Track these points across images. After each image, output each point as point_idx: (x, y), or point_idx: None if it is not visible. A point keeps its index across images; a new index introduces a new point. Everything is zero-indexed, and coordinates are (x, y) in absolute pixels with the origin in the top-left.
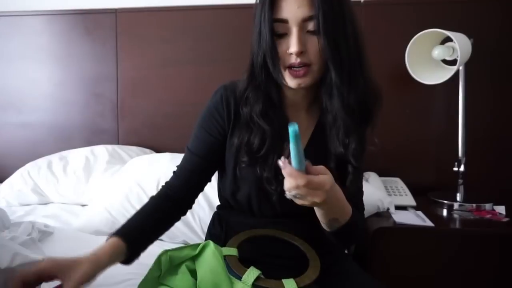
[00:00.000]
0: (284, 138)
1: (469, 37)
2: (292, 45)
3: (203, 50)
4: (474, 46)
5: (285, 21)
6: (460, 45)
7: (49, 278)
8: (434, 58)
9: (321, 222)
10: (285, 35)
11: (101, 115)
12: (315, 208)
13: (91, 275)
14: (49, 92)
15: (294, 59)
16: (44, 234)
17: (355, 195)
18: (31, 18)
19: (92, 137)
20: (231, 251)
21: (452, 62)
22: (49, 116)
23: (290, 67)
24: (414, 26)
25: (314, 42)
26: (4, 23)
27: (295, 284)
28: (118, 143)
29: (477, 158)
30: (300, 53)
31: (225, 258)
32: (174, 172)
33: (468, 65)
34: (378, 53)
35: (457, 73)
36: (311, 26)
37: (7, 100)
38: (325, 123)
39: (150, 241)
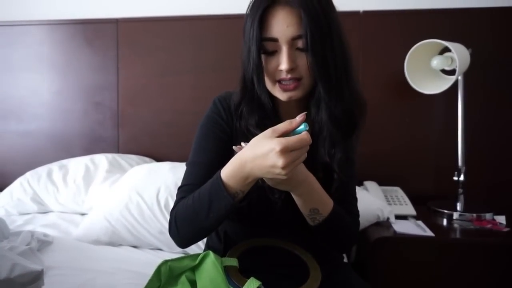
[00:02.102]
0: None
1: (467, 47)
2: (283, 63)
3: (203, 59)
4: (472, 56)
5: (275, 40)
6: (459, 55)
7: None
8: (433, 68)
9: (304, 216)
10: (275, 52)
11: (101, 124)
12: (296, 198)
13: None
14: (49, 101)
15: (284, 75)
16: (44, 243)
17: (345, 202)
18: (32, 28)
19: (92, 146)
20: (231, 261)
21: (451, 72)
22: (49, 124)
23: (280, 81)
24: (413, 36)
25: (304, 58)
26: (6, 33)
27: None
28: (118, 152)
29: (476, 167)
30: (290, 70)
31: (225, 268)
32: (183, 190)
33: (466, 74)
34: (377, 62)
35: (456, 83)
36: (300, 43)
37: (7, 109)
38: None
39: None
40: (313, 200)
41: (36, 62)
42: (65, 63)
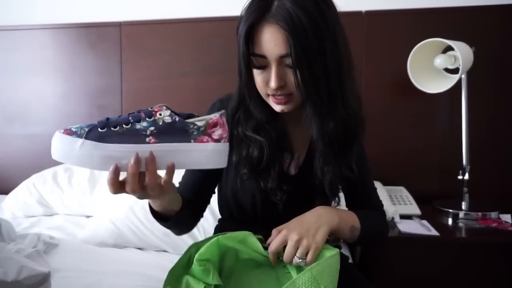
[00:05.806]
0: (283, 147)
1: (471, 45)
2: (271, 81)
3: (206, 61)
4: (475, 54)
5: (263, 57)
6: (462, 54)
7: None
8: (436, 67)
9: (346, 240)
10: (265, 66)
11: None
12: (337, 232)
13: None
14: (54, 104)
15: (274, 91)
16: (50, 246)
17: (366, 197)
18: (37, 32)
19: None
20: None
21: (455, 71)
22: (54, 128)
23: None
24: (416, 35)
25: (293, 75)
26: (11, 37)
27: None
28: None
29: (481, 166)
30: (279, 88)
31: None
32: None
33: (470, 73)
34: (380, 62)
35: (459, 82)
36: (288, 61)
37: (12, 112)
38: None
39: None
40: (346, 220)
41: (41, 66)
42: (69, 67)
